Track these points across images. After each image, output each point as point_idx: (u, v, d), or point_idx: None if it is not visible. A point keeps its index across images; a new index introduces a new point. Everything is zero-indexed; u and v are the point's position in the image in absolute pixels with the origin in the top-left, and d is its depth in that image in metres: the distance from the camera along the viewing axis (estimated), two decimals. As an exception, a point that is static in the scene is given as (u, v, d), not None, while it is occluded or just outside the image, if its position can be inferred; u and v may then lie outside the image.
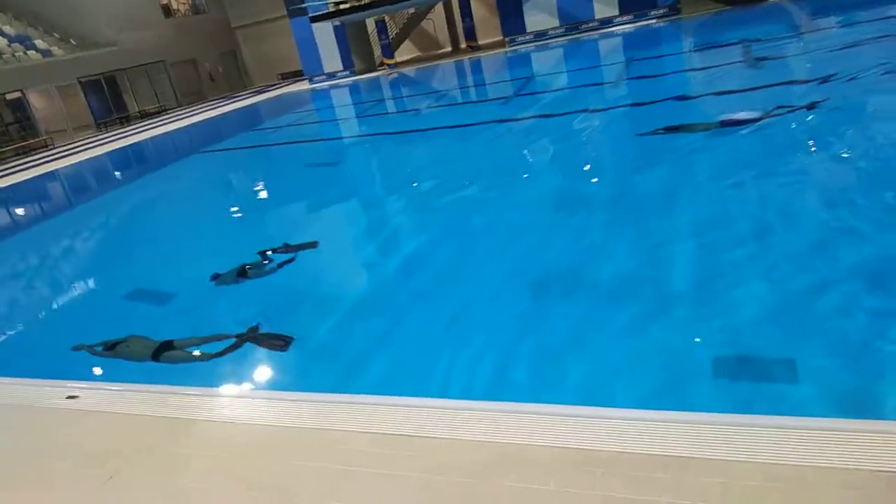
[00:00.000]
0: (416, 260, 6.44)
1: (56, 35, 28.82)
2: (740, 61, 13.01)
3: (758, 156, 7.01)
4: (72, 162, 19.48)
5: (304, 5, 26.12)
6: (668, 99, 10.94)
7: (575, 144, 9.67)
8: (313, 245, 6.80)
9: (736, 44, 15.18)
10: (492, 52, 25.13)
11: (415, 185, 9.31)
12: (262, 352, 4.98)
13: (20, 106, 26.22)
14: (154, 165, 17.97)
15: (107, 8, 28.88)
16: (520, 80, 18.09)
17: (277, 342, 4.86)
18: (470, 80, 21.46)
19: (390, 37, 27.58)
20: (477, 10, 27.01)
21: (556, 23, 23.86)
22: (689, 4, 22.25)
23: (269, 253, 6.73)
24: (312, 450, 3.25)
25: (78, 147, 22.91)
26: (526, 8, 24.00)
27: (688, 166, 7.38)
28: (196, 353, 4.98)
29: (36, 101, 26.30)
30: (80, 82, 27.30)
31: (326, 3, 25.97)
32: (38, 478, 3.47)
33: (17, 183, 17.56)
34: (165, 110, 30.42)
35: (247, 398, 4.03)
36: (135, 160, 19.08)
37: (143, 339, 5.33)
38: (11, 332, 6.75)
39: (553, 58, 21.22)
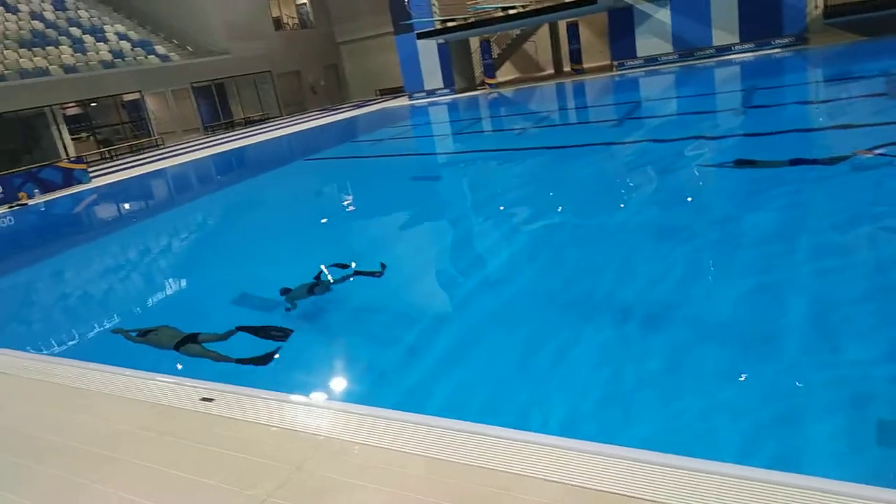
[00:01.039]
0: (500, 285, 5.90)
1: (175, 41, 30.28)
2: (855, 97, 11.87)
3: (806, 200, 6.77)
4: (181, 161, 20.11)
5: (411, 21, 26.28)
6: (750, 135, 10.29)
7: (652, 172, 9.23)
8: (378, 273, 6.25)
9: (857, 78, 13.94)
10: (596, 76, 24.42)
11: (503, 206, 8.98)
12: (377, 363, 4.50)
13: (136, 106, 27.60)
14: (260, 169, 18.23)
15: (223, 18, 30.14)
16: (621, 105, 17.34)
17: (277, 333, 5.08)
18: (570, 102, 20.82)
19: (493, 56, 27.33)
20: (583, 33, 26.42)
21: (670, 48, 22.90)
22: (819, 34, 20.83)
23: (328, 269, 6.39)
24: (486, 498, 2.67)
25: (187, 148, 23.74)
26: (638, 32, 23.20)
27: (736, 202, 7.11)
28: (212, 350, 5.07)
29: (150, 103, 27.58)
30: (192, 87, 28.48)
31: (433, 21, 26.03)
32: (187, 497, 3.05)
33: (131, 178, 18.23)
34: (268, 118, 31.31)
35: (407, 423, 3.47)
36: (241, 163, 19.46)
37: (173, 329, 5.55)
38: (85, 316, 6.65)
39: (660, 84, 20.31)
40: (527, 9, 24.02)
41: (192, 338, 5.28)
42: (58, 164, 17.71)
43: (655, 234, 6.62)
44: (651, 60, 23.32)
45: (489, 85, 27.18)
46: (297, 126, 25.63)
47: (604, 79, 23.45)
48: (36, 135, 23.88)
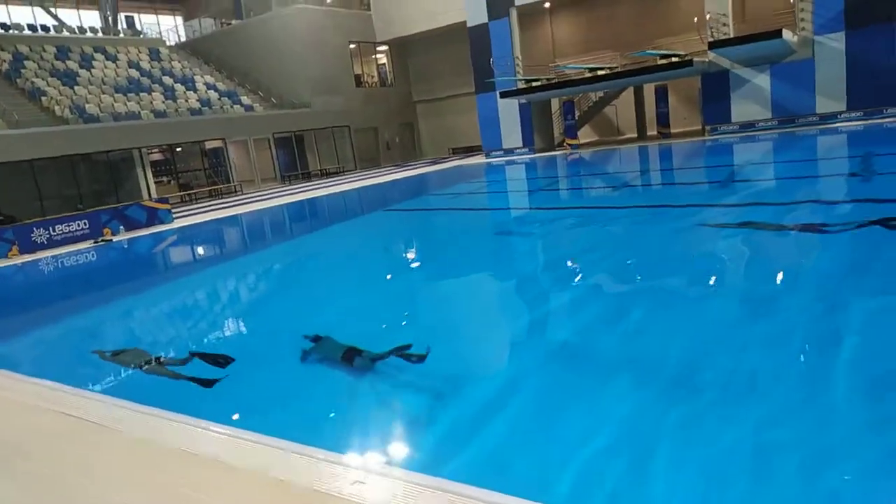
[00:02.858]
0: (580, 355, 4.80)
1: (259, 93, 31.04)
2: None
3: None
4: (261, 208, 19.92)
5: (493, 80, 26.10)
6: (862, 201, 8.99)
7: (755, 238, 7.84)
8: (421, 357, 4.60)
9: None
10: (686, 140, 23.43)
11: (590, 268, 7.93)
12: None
13: (217, 154, 28.10)
14: (340, 218, 17.78)
15: (308, 74, 30.79)
16: (721, 168, 16.21)
17: (219, 359, 5.31)
18: (663, 164, 19.79)
19: (575, 117, 26.77)
20: (670, 97, 25.68)
21: (768, 114, 21.77)
22: (941, 104, 19.39)
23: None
24: None
25: (265, 195, 23.72)
26: (734, 97, 22.22)
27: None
28: (173, 371, 5.29)
29: (231, 151, 28.04)
30: (273, 137, 28.87)
31: (515, 81, 25.78)
32: None
33: (211, 221, 18.03)
34: (344, 171, 31.42)
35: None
36: (321, 212, 19.09)
37: (142, 352, 5.96)
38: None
39: (761, 149, 19.09)
40: (615, 70, 23.48)
41: (157, 360, 5.69)
42: (143, 203, 17.69)
43: (753, 306, 5.51)
44: (747, 126, 22.20)
45: (570, 145, 26.49)
46: (374, 179, 25.41)
47: (696, 143, 22.42)
48: (122, 176, 24.40)
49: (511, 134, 27.55)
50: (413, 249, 11.36)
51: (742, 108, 22.27)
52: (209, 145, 27.62)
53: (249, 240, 15.60)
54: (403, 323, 6.40)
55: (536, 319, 6.22)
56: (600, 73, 23.23)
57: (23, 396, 4.99)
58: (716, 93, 22.65)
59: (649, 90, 26.63)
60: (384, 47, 35.79)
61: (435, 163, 31.13)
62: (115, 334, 7.68)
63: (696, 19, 22.84)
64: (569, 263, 8.51)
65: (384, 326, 6.20)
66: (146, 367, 5.52)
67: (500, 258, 9.44)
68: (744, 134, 22.19)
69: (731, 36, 21.02)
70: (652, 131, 27.00)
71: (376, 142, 34.82)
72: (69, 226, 15.42)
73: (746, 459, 3.09)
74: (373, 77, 36.39)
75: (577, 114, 27.48)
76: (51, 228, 15.14)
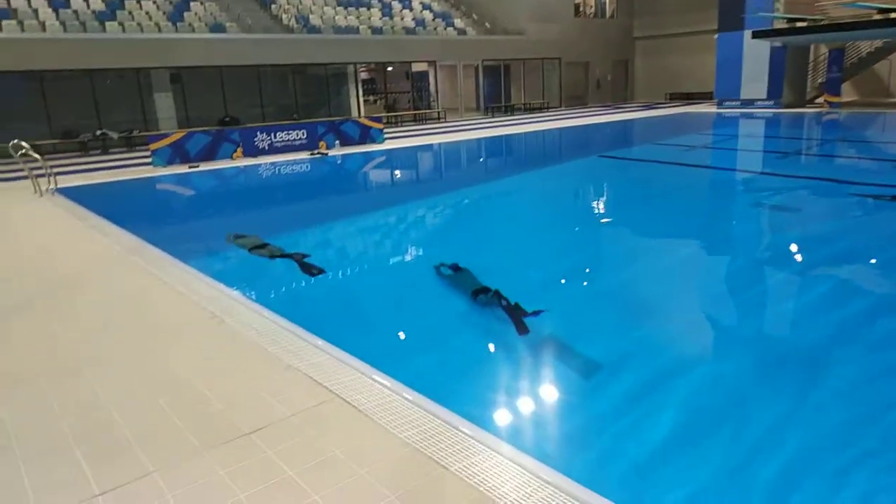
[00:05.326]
0: None
1: (473, 17, 29.58)
2: None
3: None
4: (467, 138, 18.80)
5: (745, 16, 22.21)
6: None
7: None
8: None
9: None
10: None
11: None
12: None
13: (423, 77, 27.34)
14: (550, 160, 16.10)
15: (527, -2, 28.68)
16: None
17: (314, 270, 5.70)
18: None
19: (841, 70, 22.18)
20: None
21: None
22: None
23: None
24: None
25: (470, 126, 22.58)
26: None
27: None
28: (268, 252, 6.32)
29: (437, 76, 27.09)
30: (481, 64, 27.43)
31: (773, 19, 21.70)
32: None
33: (420, 146, 17.26)
34: (548, 107, 29.38)
35: None
36: (530, 150, 17.53)
37: (254, 238, 6.82)
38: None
39: None
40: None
41: (264, 245, 6.52)
42: (358, 120, 17.25)
43: None
44: None
45: (829, 103, 22.11)
46: (583, 119, 23.17)
47: None
48: (333, 91, 24.48)
49: (754, 82, 23.58)
50: (636, 208, 9.28)
51: None
52: (415, 68, 26.87)
53: (459, 172, 14.50)
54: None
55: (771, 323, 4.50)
56: (895, 15, 18.61)
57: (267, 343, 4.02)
58: None
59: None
60: (609, -26, 32.47)
61: (650, 107, 27.97)
62: (306, 243, 7.46)
63: None
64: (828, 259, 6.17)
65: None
66: (255, 250, 6.41)
67: (750, 234, 7.46)
68: None
69: None
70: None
71: (586, 78, 32.08)
72: (289, 134, 15.31)
73: None
74: (591, 7, 33.34)
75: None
76: (273, 135, 15.11)
